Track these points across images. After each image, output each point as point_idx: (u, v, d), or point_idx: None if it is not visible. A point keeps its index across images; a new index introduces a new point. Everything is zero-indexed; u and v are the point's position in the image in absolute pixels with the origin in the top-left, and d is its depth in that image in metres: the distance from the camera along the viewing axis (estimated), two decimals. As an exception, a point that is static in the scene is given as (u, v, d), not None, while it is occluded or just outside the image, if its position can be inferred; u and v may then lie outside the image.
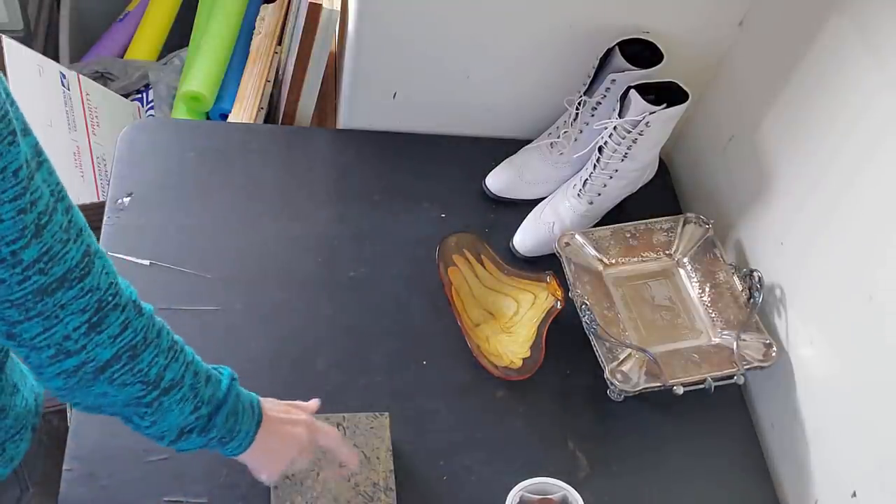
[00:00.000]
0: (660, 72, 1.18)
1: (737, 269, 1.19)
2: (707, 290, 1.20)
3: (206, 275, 1.15)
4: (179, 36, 1.85)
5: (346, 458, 0.93)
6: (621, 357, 1.09)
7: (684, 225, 1.24)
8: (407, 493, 1.00)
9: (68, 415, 1.13)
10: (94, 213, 1.49)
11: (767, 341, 1.12)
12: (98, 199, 1.53)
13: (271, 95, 1.51)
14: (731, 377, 1.10)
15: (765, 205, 1.20)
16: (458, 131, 1.39)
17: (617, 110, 1.16)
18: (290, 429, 0.88)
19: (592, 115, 1.24)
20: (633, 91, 1.13)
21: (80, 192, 1.52)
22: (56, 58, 1.78)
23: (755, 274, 1.16)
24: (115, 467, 0.98)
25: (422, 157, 1.35)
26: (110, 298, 0.70)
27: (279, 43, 1.55)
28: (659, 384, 1.08)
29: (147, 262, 1.14)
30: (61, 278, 0.66)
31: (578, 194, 1.24)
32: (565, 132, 1.28)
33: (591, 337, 1.11)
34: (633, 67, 1.18)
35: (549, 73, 1.30)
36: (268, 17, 1.59)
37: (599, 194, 1.23)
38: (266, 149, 1.32)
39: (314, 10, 1.28)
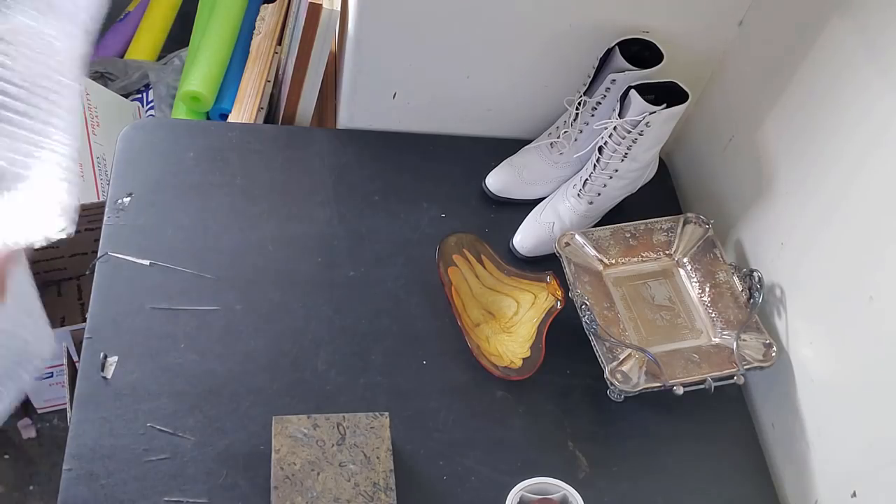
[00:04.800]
0: (660, 72, 1.18)
1: (737, 269, 1.19)
2: (707, 290, 1.20)
3: (206, 275, 1.15)
4: (179, 36, 1.85)
5: None
6: (621, 357, 1.09)
7: (684, 225, 1.24)
8: (407, 493, 1.00)
9: (68, 415, 1.13)
10: (94, 213, 1.49)
11: (767, 341, 1.12)
12: (98, 199, 1.54)
13: (271, 95, 1.51)
14: (731, 377, 1.10)
15: (765, 205, 1.20)
16: (458, 131, 1.39)
17: (617, 110, 1.16)
18: None
19: (592, 115, 1.24)
20: (633, 91, 1.13)
21: (80, 192, 1.52)
22: (56, 58, 1.78)
23: (755, 274, 1.16)
24: (115, 467, 0.98)
25: (422, 157, 1.35)
26: None
27: (279, 43, 1.55)
28: (659, 384, 1.08)
29: (147, 262, 1.14)
30: None
31: (578, 194, 1.24)
32: (565, 132, 1.28)
33: (591, 337, 1.11)
34: (633, 67, 1.18)
35: (549, 73, 1.30)
36: (268, 17, 1.59)
37: (599, 194, 1.23)
38: (266, 149, 1.32)
39: (314, 10, 1.28)
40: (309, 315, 1.15)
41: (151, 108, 1.72)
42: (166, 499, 0.97)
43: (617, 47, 1.19)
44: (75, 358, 1.38)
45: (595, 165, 1.21)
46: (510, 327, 1.18)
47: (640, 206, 1.29)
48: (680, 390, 1.08)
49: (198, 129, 1.34)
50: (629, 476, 1.09)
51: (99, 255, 1.14)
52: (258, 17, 1.61)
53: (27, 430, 1.70)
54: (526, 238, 1.25)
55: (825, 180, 1.07)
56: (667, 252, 1.24)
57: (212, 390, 1.06)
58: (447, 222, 1.28)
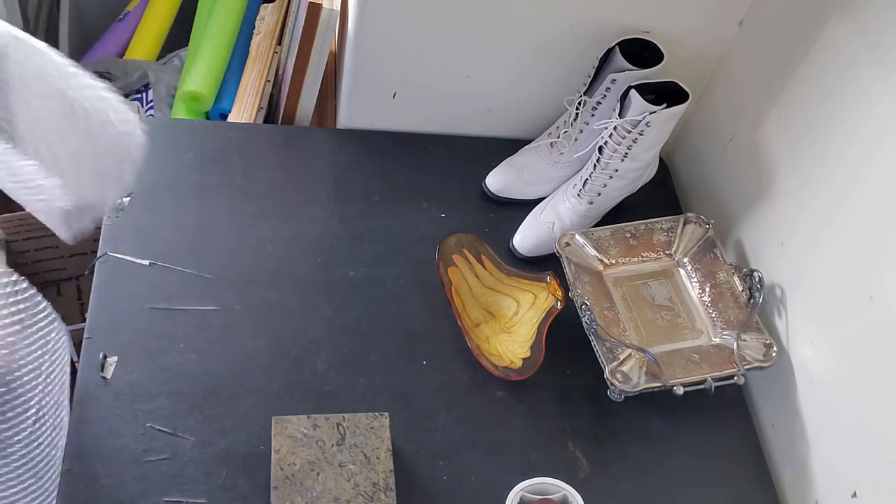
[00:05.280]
0: (660, 72, 1.18)
1: (737, 269, 1.19)
2: (707, 290, 1.20)
3: (205, 275, 1.15)
4: (179, 36, 1.84)
5: None
6: (621, 357, 1.09)
7: (684, 225, 1.24)
8: (407, 493, 0.99)
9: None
10: (94, 213, 1.49)
11: (768, 341, 1.12)
12: (98, 199, 1.53)
13: (271, 95, 1.50)
14: (731, 377, 1.10)
15: (765, 205, 1.20)
16: (459, 131, 1.39)
17: (617, 110, 1.16)
18: None
19: (592, 115, 1.24)
20: (633, 91, 1.13)
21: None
22: (56, 58, 1.78)
23: (755, 274, 1.16)
24: (115, 467, 0.98)
25: (422, 157, 1.35)
26: None
27: (279, 43, 1.55)
28: (659, 384, 1.08)
29: (147, 262, 1.14)
30: None
31: (578, 194, 1.24)
32: (565, 132, 1.28)
33: (591, 337, 1.11)
34: (634, 67, 1.18)
35: (549, 73, 1.30)
36: (268, 17, 1.59)
37: (599, 194, 1.23)
38: (266, 149, 1.32)
39: (314, 10, 1.28)
40: (308, 315, 1.15)
41: (151, 107, 1.72)
42: (166, 499, 0.97)
43: (617, 47, 1.19)
44: (75, 358, 1.38)
45: (595, 165, 1.21)
46: (510, 327, 1.18)
47: (640, 206, 1.29)
48: (680, 390, 1.08)
49: (198, 129, 1.34)
50: (629, 476, 1.09)
51: (98, 255, 1.14)
52: (258, 17, 1.61)
53: (27, 431, 1.69)
54: (526, 238, 1.25)
55: (826, 180, 1.07)
56: (667, 252, 1.23)
57: (211, 390, 1.05)
58: (447, 222, 1.28)
